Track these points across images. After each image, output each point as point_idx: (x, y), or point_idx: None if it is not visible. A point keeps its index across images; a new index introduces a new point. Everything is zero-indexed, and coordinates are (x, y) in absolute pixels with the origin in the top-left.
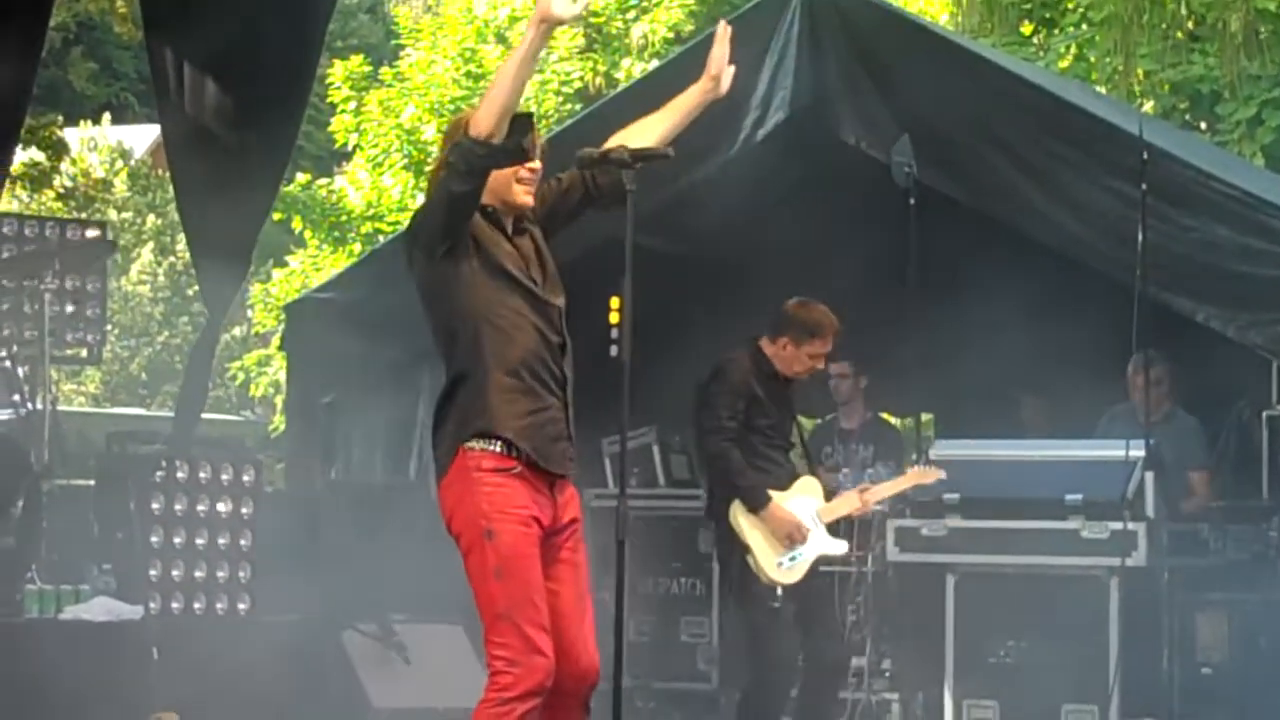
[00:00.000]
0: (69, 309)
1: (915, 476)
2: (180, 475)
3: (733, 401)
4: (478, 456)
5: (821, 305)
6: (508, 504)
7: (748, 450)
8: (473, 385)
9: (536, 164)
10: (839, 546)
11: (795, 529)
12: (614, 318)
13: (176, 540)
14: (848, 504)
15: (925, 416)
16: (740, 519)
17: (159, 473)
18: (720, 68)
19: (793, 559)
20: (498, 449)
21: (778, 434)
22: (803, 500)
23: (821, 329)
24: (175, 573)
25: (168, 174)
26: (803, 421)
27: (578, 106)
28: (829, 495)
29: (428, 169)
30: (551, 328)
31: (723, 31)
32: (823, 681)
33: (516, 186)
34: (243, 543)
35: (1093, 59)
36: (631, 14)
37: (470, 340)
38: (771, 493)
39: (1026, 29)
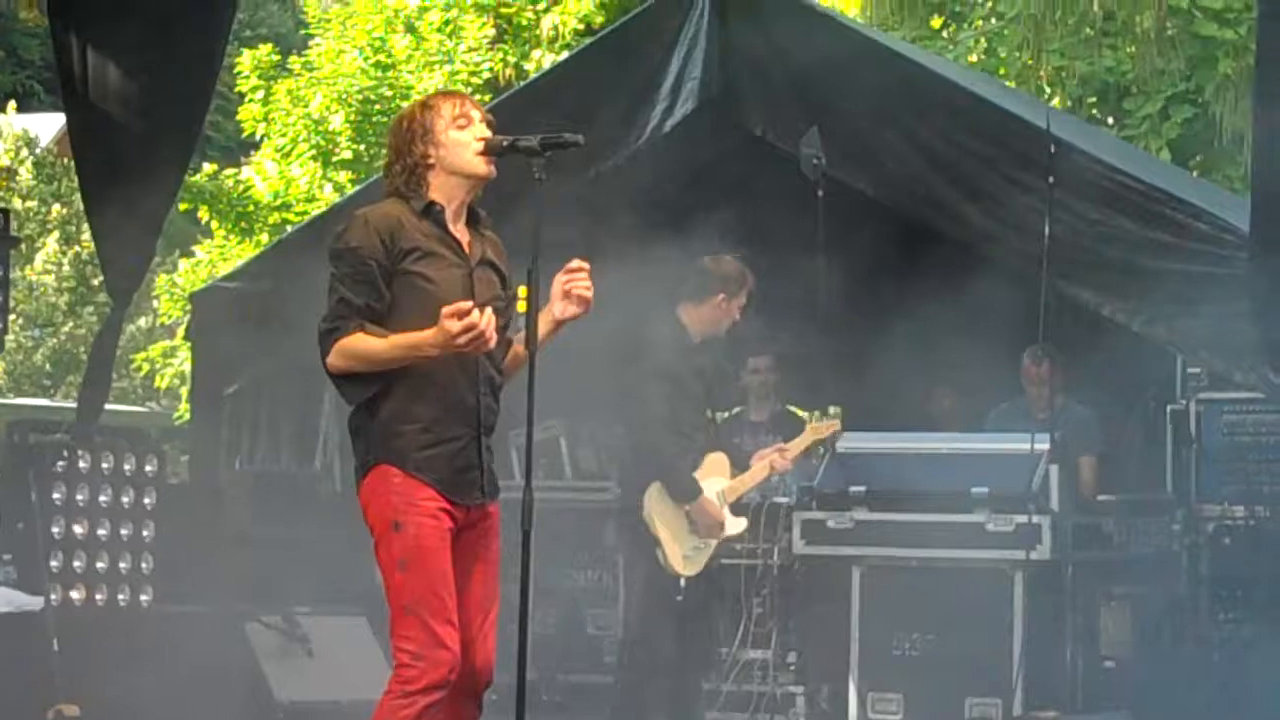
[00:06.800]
0: None
1: (811, 433)
2: (82, 465)
3: (659, 386)
4: (388, 469)
5: (728, 255)
6: (417, 495)
7: (675, 435)
8: (385, 411)
9: (487, 133)
10: (739, 525)
11: (717, 526)
12: (521, 306)
13: (78, 531)
14: (764, 468)
15: (833, 409)
16: (654, 510)
17: (60, 463)
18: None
19: (696, 548)
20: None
21: (697, 409)
22: (711, 483)
23: (746, 277)
24: (77, 564)
25: (73, 163)
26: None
27: (488, 97)
28: (738, 470)
29: (335, 159)
30: (474, 360)
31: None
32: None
33: (478, 159)
34: (145, 534)
35: (1002, 54)
36: (542, 5)
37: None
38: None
39: (935, 23)
